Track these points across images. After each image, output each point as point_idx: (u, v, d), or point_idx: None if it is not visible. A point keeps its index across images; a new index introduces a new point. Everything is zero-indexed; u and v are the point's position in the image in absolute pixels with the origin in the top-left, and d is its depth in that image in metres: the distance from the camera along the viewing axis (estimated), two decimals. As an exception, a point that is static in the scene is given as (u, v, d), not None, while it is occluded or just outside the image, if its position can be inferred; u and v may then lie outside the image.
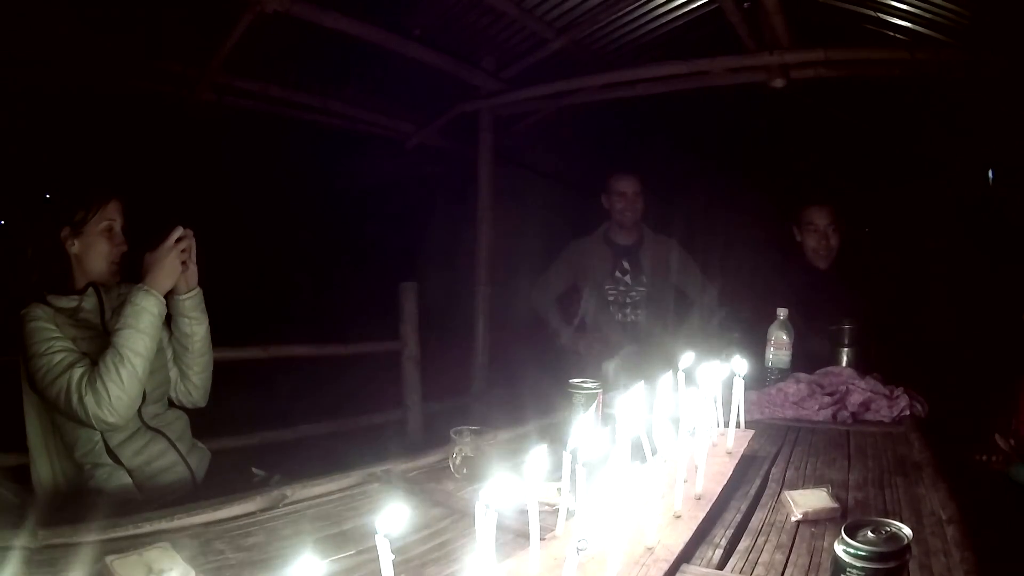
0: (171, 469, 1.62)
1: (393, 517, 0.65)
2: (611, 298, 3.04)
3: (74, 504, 1.51)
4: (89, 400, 1.40)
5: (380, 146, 4.13)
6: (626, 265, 3.02)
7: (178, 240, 1.55)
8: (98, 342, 1.52)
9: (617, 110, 3.82)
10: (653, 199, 3.06)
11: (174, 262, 1.54)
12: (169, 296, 1.57)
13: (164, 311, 1.53)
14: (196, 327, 1.67)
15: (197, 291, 1.66)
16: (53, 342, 1.44)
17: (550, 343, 3.13)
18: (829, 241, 2.59)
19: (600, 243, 3.06)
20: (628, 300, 3.02)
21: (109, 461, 1.52)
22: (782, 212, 2.79)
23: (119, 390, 1.42)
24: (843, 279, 2.55)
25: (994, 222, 3.23)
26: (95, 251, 1.59)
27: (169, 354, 1.71)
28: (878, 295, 2.53)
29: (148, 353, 1.48)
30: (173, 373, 1.72)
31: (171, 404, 1.74)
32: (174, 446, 1.64)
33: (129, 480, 1.53)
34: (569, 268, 3.11)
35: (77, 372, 1.42)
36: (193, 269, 1.62)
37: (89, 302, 1.59)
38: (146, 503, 1.49)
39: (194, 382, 1.73)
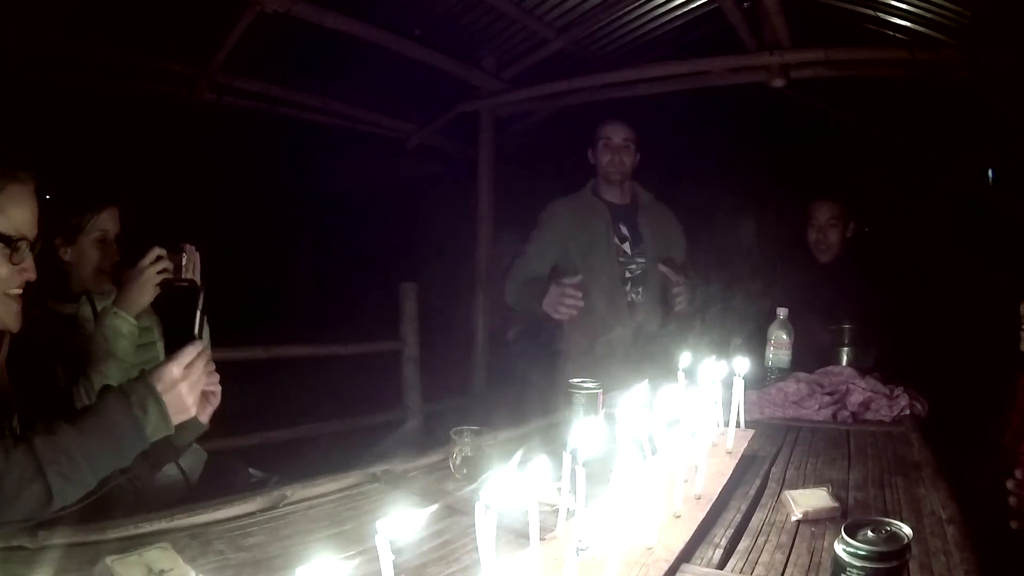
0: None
1: (401, 522, 0.65)
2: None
3: (73, 504, 1.51)
4: None
5: (380, 146, 4.14)
6: (624, 230, 2.43)
7: (157, 259, 1.48)
8: None
9: (617, 109, 3.82)
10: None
11: (146, 284, 1.48)
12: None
13: (136, 330, 1.50)
14: None
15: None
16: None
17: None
18: (827, 236, 2.60)
19: (590, 197, 2.46)
20: (628, 274, 2.42)
21: None
22: (788, 209, 2.80)
23: None
24: (847, 275, 2.56)
25: (994, 222, 3.22)
26: (85, 260, 1.57)
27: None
28: (880, 293, 2.54)
29: (121, 376, 1.45)
30: None
31: None
32: None
33: None
34: (555, 236, 2.40)
35: None
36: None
37: (85, 310, 1.58)
38: (140, 505, 1.48)
39: None
